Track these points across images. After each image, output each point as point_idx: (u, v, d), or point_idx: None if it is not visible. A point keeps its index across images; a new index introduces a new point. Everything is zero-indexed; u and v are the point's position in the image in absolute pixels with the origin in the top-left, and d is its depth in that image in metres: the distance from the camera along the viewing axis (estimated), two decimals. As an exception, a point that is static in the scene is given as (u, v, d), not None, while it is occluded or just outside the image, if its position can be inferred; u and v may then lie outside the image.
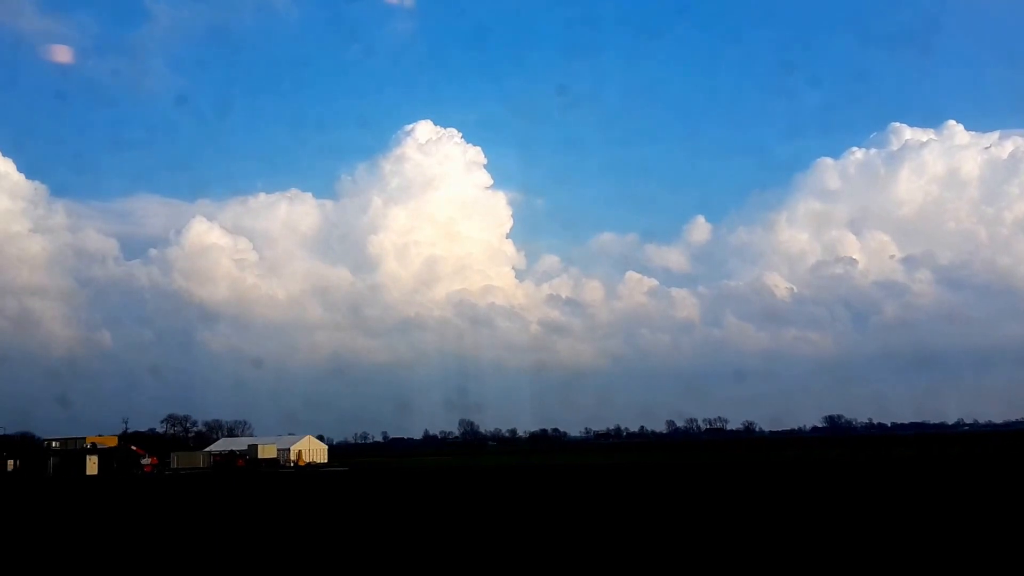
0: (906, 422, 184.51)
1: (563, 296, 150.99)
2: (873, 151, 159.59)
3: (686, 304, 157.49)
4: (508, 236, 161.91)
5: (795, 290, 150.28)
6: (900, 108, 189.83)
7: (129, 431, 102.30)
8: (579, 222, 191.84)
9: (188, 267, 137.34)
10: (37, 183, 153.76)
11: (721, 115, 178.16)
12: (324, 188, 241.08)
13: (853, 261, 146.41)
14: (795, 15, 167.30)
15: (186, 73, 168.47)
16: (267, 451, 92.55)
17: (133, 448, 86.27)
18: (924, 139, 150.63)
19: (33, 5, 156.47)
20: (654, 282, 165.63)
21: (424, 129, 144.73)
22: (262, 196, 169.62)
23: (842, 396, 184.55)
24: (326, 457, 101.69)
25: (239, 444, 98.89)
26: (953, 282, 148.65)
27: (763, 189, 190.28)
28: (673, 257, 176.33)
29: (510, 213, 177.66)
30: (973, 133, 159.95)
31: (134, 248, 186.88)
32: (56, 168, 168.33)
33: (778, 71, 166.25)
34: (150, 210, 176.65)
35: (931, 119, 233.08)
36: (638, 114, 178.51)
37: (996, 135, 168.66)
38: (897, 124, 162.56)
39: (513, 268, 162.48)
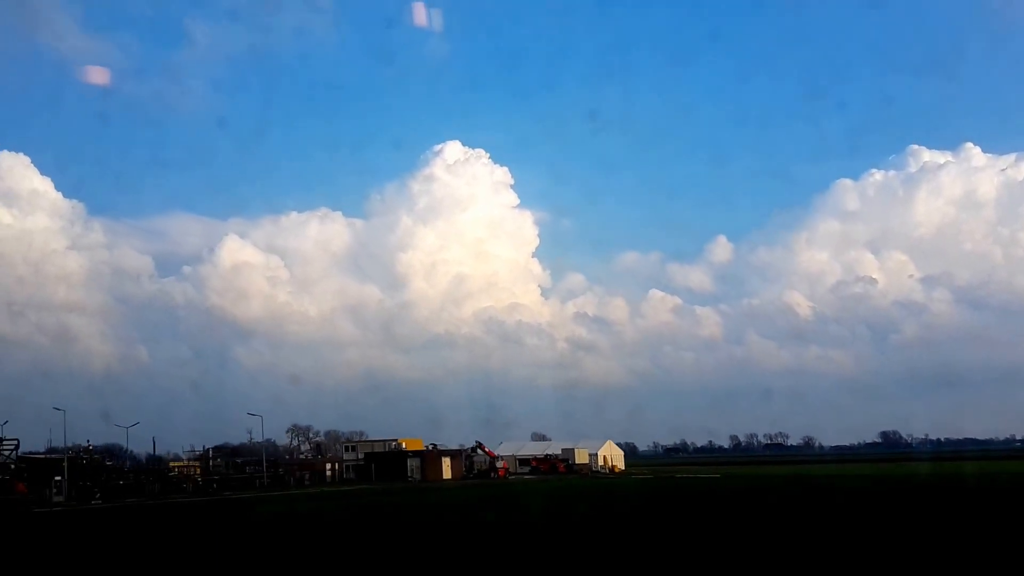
0: (959, 438, 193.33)
1: (590, 314, 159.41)
2: (892, 173, 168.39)
3: (709, 322, 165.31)
4: (534, 255, 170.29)
5: (816, 309, 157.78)
6: (918, 131, 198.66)
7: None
8: (603, 241, 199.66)
9: (221, 284, 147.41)
10: (75, 202, 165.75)
11: (745, 139, 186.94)
12: (354, 207, 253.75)
13: (873, 280, 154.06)
14: (820, 42, 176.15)
15: (222, 94, 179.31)
16: (581, 456, 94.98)
17: (486, 450, 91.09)
18: (942, 161, 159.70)
19: (75, 25, 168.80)
20: (678, 300, 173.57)
21: (452, 149, 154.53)
22: (293, 215, 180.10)
23: (875, 412, 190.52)
24: (623, 464, 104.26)
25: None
26: (972, 302, 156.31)
27: (783, 209, 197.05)
28: (695, 276, 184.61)
29: (536, 232, 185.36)
30: (990, 155, 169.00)
31: (169, 265, 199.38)
32: (93, 187, 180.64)
33: (802, 96, 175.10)
34: (184, 228, 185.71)
35: (949, 141, 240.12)
36: (664, 137, 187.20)
37: (1013, 157, 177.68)
38: (915, 146, 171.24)
39: (539, 286, 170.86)
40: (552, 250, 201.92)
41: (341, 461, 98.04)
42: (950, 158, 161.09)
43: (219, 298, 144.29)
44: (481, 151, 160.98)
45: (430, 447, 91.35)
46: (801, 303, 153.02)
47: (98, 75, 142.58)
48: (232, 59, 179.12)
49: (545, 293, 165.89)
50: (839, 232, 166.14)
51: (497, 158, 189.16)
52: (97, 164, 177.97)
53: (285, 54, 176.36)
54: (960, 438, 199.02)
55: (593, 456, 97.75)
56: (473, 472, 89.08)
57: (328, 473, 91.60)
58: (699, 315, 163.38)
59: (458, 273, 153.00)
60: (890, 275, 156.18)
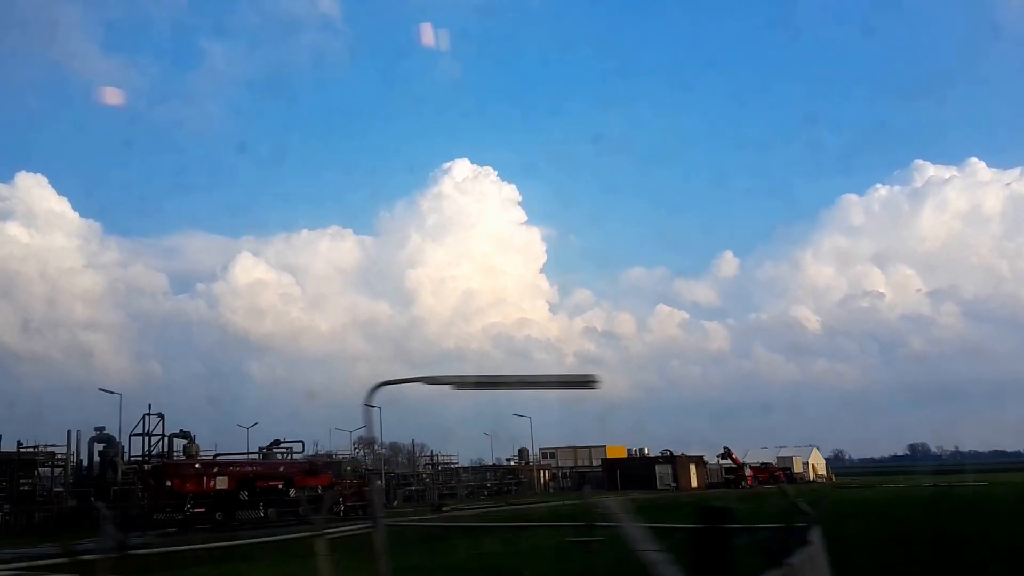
0: (987, 450, 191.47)
1: (598, 328, 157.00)
2: (897, 188, 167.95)
3: (717, 336, 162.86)
4: (542, 271, 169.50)
5: (824, 323, 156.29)
6: (923, 146, 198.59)
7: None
8: (609, 257, 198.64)
9: (234, 302, 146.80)
10: (91, 221, 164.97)
11: (746, 159, 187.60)
12: (364, 225, 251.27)
13: (880, 295, 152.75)
14: (816, 68, 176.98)
15: (236, 114, 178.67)
16: (796, 464, 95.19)
17: (733, 457, 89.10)
18: (947, 176, 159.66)
19: (95, 46, 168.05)
20: (684, 315, 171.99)
21: (461, 167, 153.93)
22: (305, 232, 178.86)
23: (894, 425, 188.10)
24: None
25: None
26: (978, 315, 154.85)
27: (788, 225, 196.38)
28: (701, 291, 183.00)
29: (544, 248, 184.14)
30: (995, 170, 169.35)
31: (183, 283, 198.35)
32: (109, 206, 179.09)
33: (801, 119, 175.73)
34: (198, 246, 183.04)
35: (953, 156, 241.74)
36: (666, 159, 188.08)
37: (1017, 171, 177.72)
38: (920, 161, 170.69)
39: (547, 302, 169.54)
40: (559, 266, 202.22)
41: (548, 468, 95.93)
42: (955, 173, 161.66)
43: (232, 315, 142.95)
44: (489, 168, 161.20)
45: (635, 452, 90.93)
46: (809, 317, 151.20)
47: (115, 96, 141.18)
48: (247, 80, 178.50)
49: (553, 308, 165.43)
50: (845, 247, 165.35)
51: (505, 175, 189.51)
52: (113, 184, 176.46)
53: (298, 73, 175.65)
54: (987, 451, 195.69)
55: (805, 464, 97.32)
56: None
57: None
58: (707, 329, 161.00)
59: (467, 289, 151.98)
60: (897, 289, 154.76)
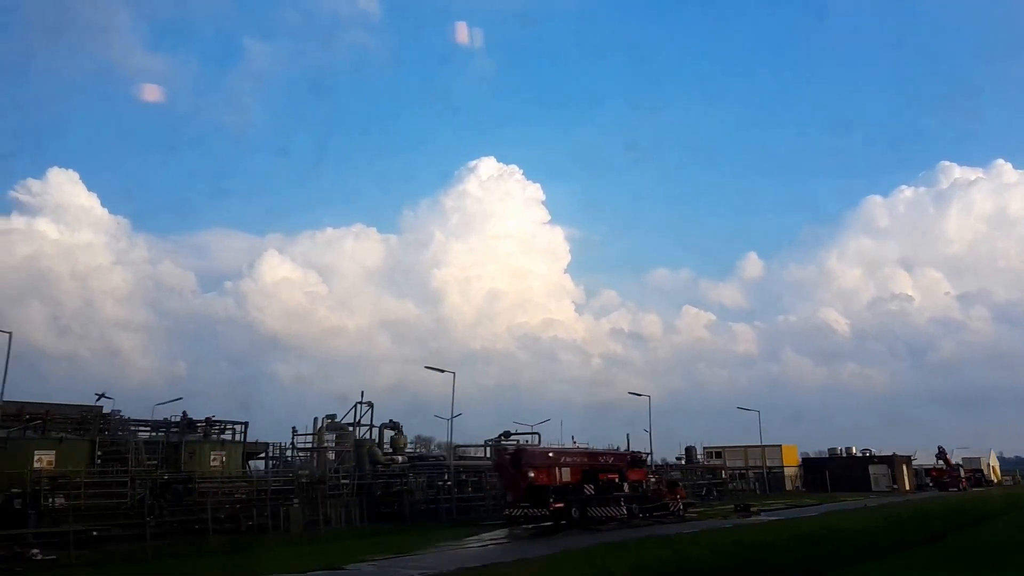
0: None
1: (624, 329, 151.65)
2: (922, 189, 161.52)
3: (745, 338, 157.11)
4: (566, 271, 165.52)
5: (853, 326, 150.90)
6: (948, 147, 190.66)
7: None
8: (634, 258, 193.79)
9: (261, 300, 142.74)
10: (120, 218, 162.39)
11: (773, 159, 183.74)
12: (388, 223, 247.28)
13: (909, 298, 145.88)
14: (843, 78, 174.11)
15: (265, 112, 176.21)
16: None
17: (947, 459, 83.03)
18: (973, 177, 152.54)
19: (138, 43, 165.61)
20: (711, 316, 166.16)
21: (487, 165, 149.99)
22: (330, 230, 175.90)
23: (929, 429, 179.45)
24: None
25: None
26: (1010, 319, 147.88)
27: (813, 226, 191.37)
28: (728, 292, 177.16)
29: (568, 248, 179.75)
30: (1022, 171, 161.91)
31: (210, 281, 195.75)
32: (138, 203, 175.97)
33: (830, 115, 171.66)
34: (225, 244, 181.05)
35: (979, 158, 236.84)
36: (694, 160, 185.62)
37: None
38: (946, 163, 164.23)
39: (573, 302, 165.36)
40: (583, 266, 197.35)
41: (718, 468, 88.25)
42: (981, 174, 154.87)
43: (259, 313, 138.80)
44: (515, 167, 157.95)
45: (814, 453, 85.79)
46: (838, 320, 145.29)
47: (153, 93, 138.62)
48: (282, 78, 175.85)
49: (579, 309, 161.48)
50: (871, 249, 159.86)
51: (530, 175, 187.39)
52: (144, 181, 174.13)
53: (332, 72, 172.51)
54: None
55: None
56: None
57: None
58: (735, 331, 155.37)
59: (492, 289, 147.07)
60: (925, 292, 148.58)
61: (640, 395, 53.42)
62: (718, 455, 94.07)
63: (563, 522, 34.08)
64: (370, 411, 51.42)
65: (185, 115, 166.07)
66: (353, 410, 50.64)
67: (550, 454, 36.55)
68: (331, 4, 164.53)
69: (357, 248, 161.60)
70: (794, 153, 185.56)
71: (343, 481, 42.11)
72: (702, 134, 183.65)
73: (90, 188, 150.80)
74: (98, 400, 40.30)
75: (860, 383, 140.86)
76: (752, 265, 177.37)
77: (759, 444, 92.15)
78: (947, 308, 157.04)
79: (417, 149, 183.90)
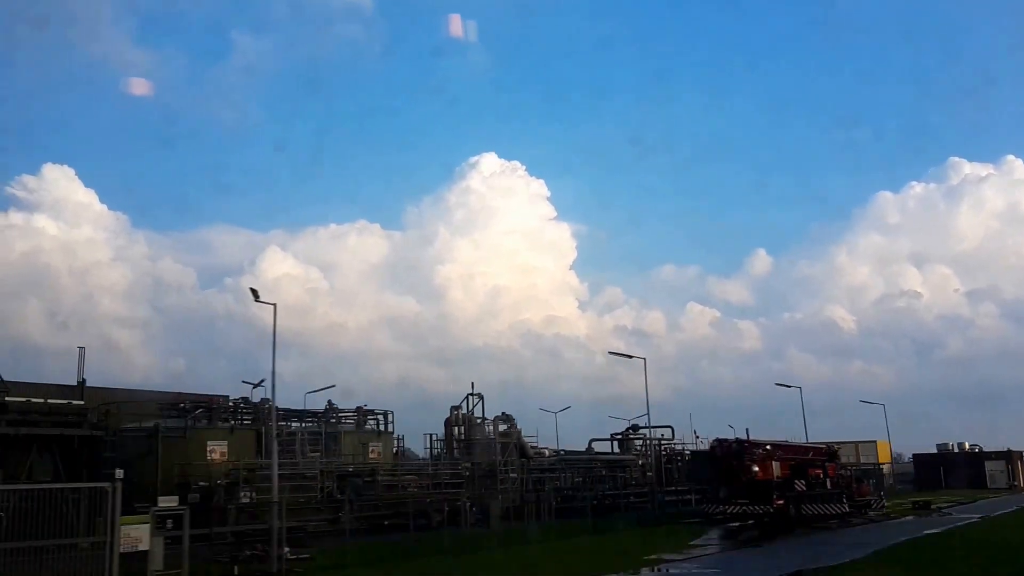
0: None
1: (628, 327, 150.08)
2: (933, 185, 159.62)
3: (749, 335, 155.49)
4: (571, 267, 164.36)
5: (859, 323, 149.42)
6: (958, 143, 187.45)
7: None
8: (641, 254, 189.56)
9: (262, 296, 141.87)
10: (119, 213, 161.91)
11: (783, 154, 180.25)
12: (391, 219, 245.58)
13: (917, 295, 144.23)
14: (854, 72, 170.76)
15: (265, 108, 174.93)
16: None
17: None
18: (983, 174, 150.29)
19: (128, 38, 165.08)
20: (716, 313, 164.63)
21: (489, 161, 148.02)
22: (333, 227, 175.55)
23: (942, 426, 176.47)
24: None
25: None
26: (1018, 317, 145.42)
27: (823, 222, 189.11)
28: (734, 289, 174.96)
29: (574, 245, 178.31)
30: None
31: (210, 277, 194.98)
32: (138, 199, 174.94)
33: (840, 110, 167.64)
34: (226, 240, 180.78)
35: (990, 154, 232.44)
36: (703, 155, 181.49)
37: None
38: (956, 159, 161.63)
39: (576, 299, 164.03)
40: (589, 263, 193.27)
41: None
42: (992, 170, 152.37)
43: (260, 310, 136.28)
44: (517, 163, 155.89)
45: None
46: (844, 317, 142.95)
47: (143, 87, 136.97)
48: (271, 76, 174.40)
49: (583, 306, 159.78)
50: (881, 245, 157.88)
51: (533, 171, 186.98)
52: (142, 176, 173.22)
53: (328, 66, 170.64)
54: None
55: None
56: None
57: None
58: (740, 328, 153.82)
59: (495, 285, 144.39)
60: (934, 289, 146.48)
61: (789, 386, 50.54)
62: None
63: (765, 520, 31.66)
64: (481, 403, 49.12)
65: (178, 110, 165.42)
66: (465, 402, 48.35)
67: (767, 447, 33.81)
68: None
69: (360, 244, 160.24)
70: (805, 148, 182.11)
71: (511, 475, 39.72)
72: (712, 128, 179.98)
73: (87, 184, 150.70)
74: (255, 388, 37.89)
75: (867, 380, 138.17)
76: (760, 262, 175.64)
77: (850, 440, 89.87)
78: (956, 305, 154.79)
79: (417, 144, 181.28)
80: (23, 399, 29.40)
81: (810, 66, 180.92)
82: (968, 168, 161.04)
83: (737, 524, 32.56)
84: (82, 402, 31.14)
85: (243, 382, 40.47)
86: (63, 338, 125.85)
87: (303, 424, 41.04)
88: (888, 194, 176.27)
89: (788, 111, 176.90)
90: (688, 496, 44.70)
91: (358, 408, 42.22)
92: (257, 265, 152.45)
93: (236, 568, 20.95)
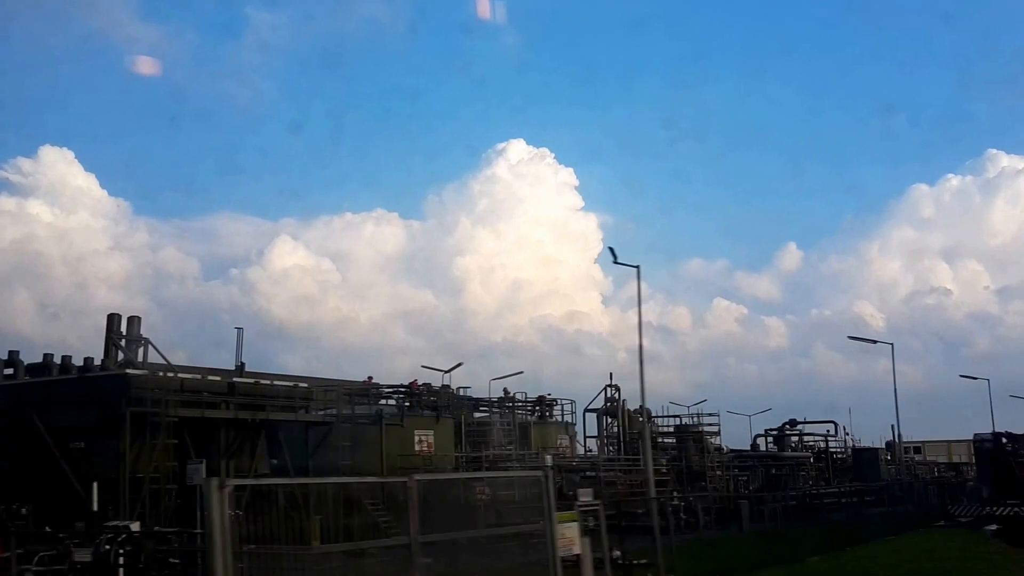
0: None
1: (653, 323, 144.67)
2: (969, 178, 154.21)
3: (776, 332, 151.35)
4: (596, 260, 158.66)
5: (888, 320, 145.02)
6: (997, 134, 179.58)
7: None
8: (669, 247, 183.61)
9: (270, 288, 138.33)
10: (120, 200, 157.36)
11: (819, 145, 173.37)
12: (411, 208, 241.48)
13: (947, 291, 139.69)
14: (893, 58, 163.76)
15: (274, 91, 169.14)
16: None
17: None
18: (1021, 166, 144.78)
19: (132, 13, 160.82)
20: (743, 310, 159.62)
21: (516, 148, 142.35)
22: (348, 215, 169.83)
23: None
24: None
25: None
26: None
27: (857, 216, 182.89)
28: (762, 284, 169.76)
29: (600, 237, 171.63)
30: None
31: (215, 268, 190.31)
32: (140, 184, 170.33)
33: (878, 99, 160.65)
34: (233, 229, 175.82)
35: None
36: (738, 145, 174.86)
37: None
38: (993, 151, 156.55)
39: (600, 293, 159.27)
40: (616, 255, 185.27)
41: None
42: None
43: (267, 302, 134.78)
44: (546, 150, 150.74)
45: None
46: (873, 314, 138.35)
47: (149, 66, 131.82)
48: (287, 53, 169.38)
49: (606, 301, 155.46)
50: (913, 240, 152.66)
51: (562, 159, 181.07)
52: (146, 160, 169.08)
53: (351, 47, 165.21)
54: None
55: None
56: None
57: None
58: (767, 325, 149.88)
59: (517, 279, 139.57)
60: (964, 286, 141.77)
61: (975, 378, 47.29)
62: (917, 450, 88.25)
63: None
64: (618, 393, 46.54)
65: (186, 89, 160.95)
66: (603, 394, 45.88)
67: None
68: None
69: (377, 234, 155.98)
70: (841, 136, 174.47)
71: (717, 473, 37.17)
72: (745, 113, 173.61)
73: (88, 168, 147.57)
74: (446, 374, 35.72)
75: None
76: (790, 256, 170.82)
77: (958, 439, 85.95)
78: (985, 302, 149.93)
79: (441, 128, 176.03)
80: (251, 381, 27.46)
81: (848, 52, 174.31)
82: (1006, 160, 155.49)
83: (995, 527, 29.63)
84: (306, 385, 29.21)
85: (423, 367, 38.46)
86: (54, 329, 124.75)
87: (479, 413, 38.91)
88: (924, 186, 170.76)
89: (824, 97, 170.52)
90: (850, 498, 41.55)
91: (540, 397, 39.95)
92: (265, 255, 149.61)
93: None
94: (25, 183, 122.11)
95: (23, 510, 21.37)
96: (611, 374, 44.72)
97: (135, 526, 19.00)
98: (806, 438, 50.37)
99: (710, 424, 41.56)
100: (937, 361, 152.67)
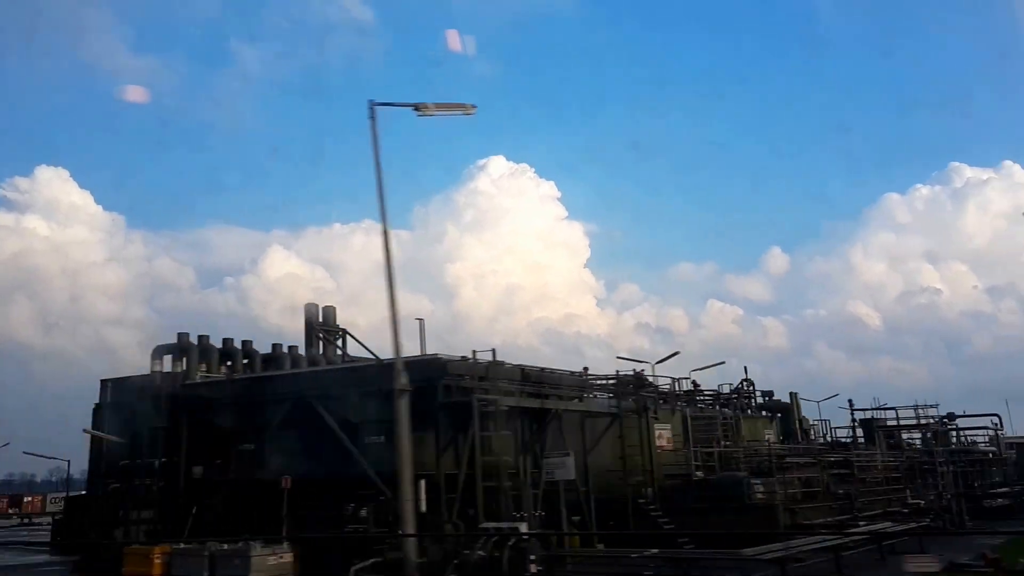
0: None
1: (651, 324, 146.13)
2: (938, 188, 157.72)
3: (775, 333, 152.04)
4: (586, 266, 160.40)
5: (885, 319, 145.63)
6: (956, 150, 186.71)
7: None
8: (655, 252, 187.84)
9: (264, 296, 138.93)
10: (115, 214, 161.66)
11: (783, 161, 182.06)
12: (398, 219, 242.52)
13: (937, 291, 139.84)
14: (841, 85, 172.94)
15: (267, 109, 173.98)
16: None
17: None
18: (985, 177, 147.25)
19: (123, 45, 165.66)
20: (738, 311, 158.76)
21: (497, 164, 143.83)
22: (337, 226, 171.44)
23: None
24: None
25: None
26: None
27: (834, 221, 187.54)
28: (753, 287, 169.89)
29: (587, 244, 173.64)
30: None
31: (210, 277, 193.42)
32: (133, 198, 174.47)
33: (832, 121, 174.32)
34: (226, 240, 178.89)
35: (988, 159, 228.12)
36: (705, 161, 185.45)
37: None
38: (956, 163, 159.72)
39: (594, 297, 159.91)
40: (604, 261, 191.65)
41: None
42: (992, 174, 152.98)
43: (263, 309, 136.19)
44: (526, 165, 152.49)
45: None
46: (869, 314, 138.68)
47: (139, 94, 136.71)
48: (278, 75, 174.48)
49: (601, 304, 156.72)
50: (895, 244, 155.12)
51: (542, 173, 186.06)
52: (140, 179, 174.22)
53: (333, 75, 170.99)
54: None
55: None
56: None
57: None
58: (764, 325, 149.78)
59: (509, 284, 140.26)
60: (953, 286, 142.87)
61: None
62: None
63: None
64: (752, 387, 44.61)
65: (176, 113, 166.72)
66: (739, 388, 43.93)
67: None
68: (321, 8, 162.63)
69: (367, 243, 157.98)
70: (801, 152, 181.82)
71: (940, 469, 35.20)
72: (708, 133, 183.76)
73: (82, 186, 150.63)
74: (658, 364, 33.92)
75: (897, 378, 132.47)
76: (776, 259, 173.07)
77: None
78: (977, 301, 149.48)
79: (421, 151, 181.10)
80: (537, 368, 25.81)
81: (797, 78, 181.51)
82: (969, 172, 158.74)
83: None
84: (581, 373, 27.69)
85: (619, 358, 36.79)
86: (53, 339, 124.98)
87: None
88: (895, 195, 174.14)
89: (780, 121, 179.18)
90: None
91: (743, 381, 38.20)
92: (259, 264, 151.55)
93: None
94: (22, 200, 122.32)
95: (362, 512, 19.86)
96: (745, 368, 42.83)
97: (523, 527, 17.42)
98: (966, 433, 48.18)
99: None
100: (939, 359, 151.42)
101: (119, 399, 28.52)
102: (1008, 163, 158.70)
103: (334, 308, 34.53)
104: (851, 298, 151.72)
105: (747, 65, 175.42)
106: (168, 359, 26.94)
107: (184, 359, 26.79)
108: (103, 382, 39.33)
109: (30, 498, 73.91)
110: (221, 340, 29.45)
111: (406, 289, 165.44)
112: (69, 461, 40.05)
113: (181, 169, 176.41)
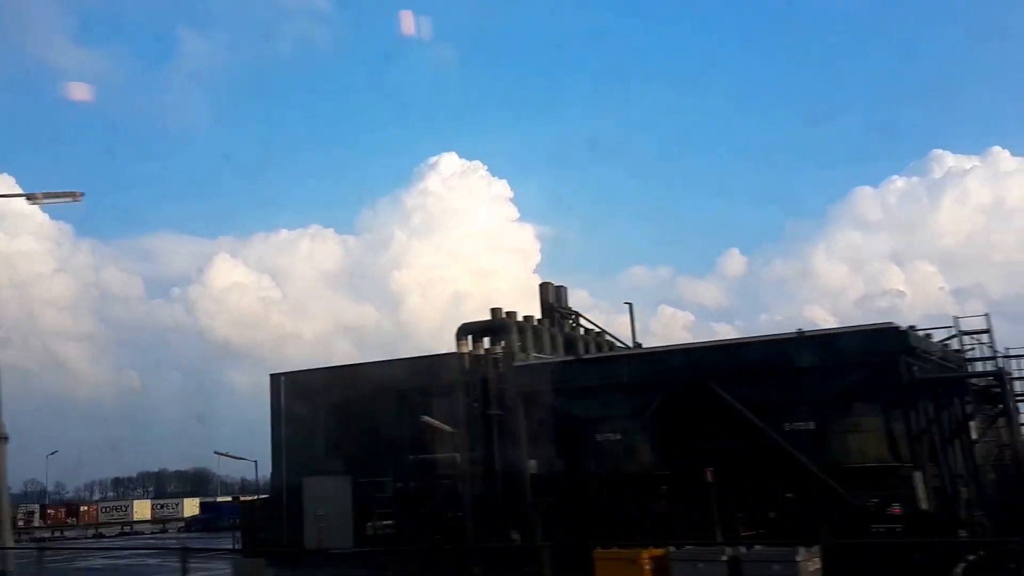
0: None
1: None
2: (915, 179, 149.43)
3: (727, 338, 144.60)
4: (535, 271, 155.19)
5: (841, 324, 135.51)
6: (939, 135, 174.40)
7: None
8: (611, 255, 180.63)
9: (212, 306, 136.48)
10: (62, 223, 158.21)
11: (750, 152, 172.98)
12: (345, 224, 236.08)
13: (900, 293, 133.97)
14: (815, 73, 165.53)
15: (210, 110, 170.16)
16: None
17: None
18: (968, 166, 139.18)
19: (67, 38, 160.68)
20: (690, 316, 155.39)
21: (449, 161, 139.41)
22: (284, 232, 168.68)
23: None
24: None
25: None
26: (1006, 315, 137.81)
27: (798, 220, 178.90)
28: (707, 291, 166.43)
29: (538, 247, 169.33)
30: (1021, 158, 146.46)
31: (158, 287, 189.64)
32: (80, 208, 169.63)
33: (806, 109, 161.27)
34: (173, 248, 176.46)
35: (974, 145, 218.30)
36: (667, 157, 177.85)
37: None
38: (938, 151, 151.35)
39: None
40: (555, 265, 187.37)
41: None
42: (976, 163, 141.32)
43: (210, 320, 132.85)
44: (479, 163, 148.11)
45: None
46: (825, 318, 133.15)
47: (83, 91, 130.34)
48: (220, 72, 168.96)
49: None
50: (860, 243, 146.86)
51: (495, 171, 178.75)
52: (84, 184, 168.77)
53: (279, 67, 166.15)
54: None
55: None
56: None
57: None
58: (716, 331, 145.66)
59: (456, 290, 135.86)
60: (917, 288, 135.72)
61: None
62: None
63: None
64: None
65: (121, 115, 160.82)
66: None
67: None
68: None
69: (314, 250, 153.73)
70: (774, 144, 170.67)
71: None
72: (674, 125, 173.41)
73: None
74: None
75: None
76: (734, 262, 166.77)
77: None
78: (941, 304, 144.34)
79: (372, 146, 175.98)
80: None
81: (771, 65, 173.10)
82: (952, 160, 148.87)
83: None
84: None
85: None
86: (4, 354, 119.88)
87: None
88: (867, 189, 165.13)
89: (753, 109, 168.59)
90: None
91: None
92: (205, 273, 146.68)
93: None
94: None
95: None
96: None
97: None
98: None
99: None
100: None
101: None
102: (996, 149, 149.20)
103: (566, 288, 30.96)
104: (809, 302, 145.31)
105: (716, 50, 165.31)
106: (469, 340, 22.98)
107: (503, 340, 22.87)
108: (273, 376, 35.24)
109: (86, 507, 69.56)
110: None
111: (353, 299, 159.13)
112: (256, 461, 36.18)
113: (129, 173, 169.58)
